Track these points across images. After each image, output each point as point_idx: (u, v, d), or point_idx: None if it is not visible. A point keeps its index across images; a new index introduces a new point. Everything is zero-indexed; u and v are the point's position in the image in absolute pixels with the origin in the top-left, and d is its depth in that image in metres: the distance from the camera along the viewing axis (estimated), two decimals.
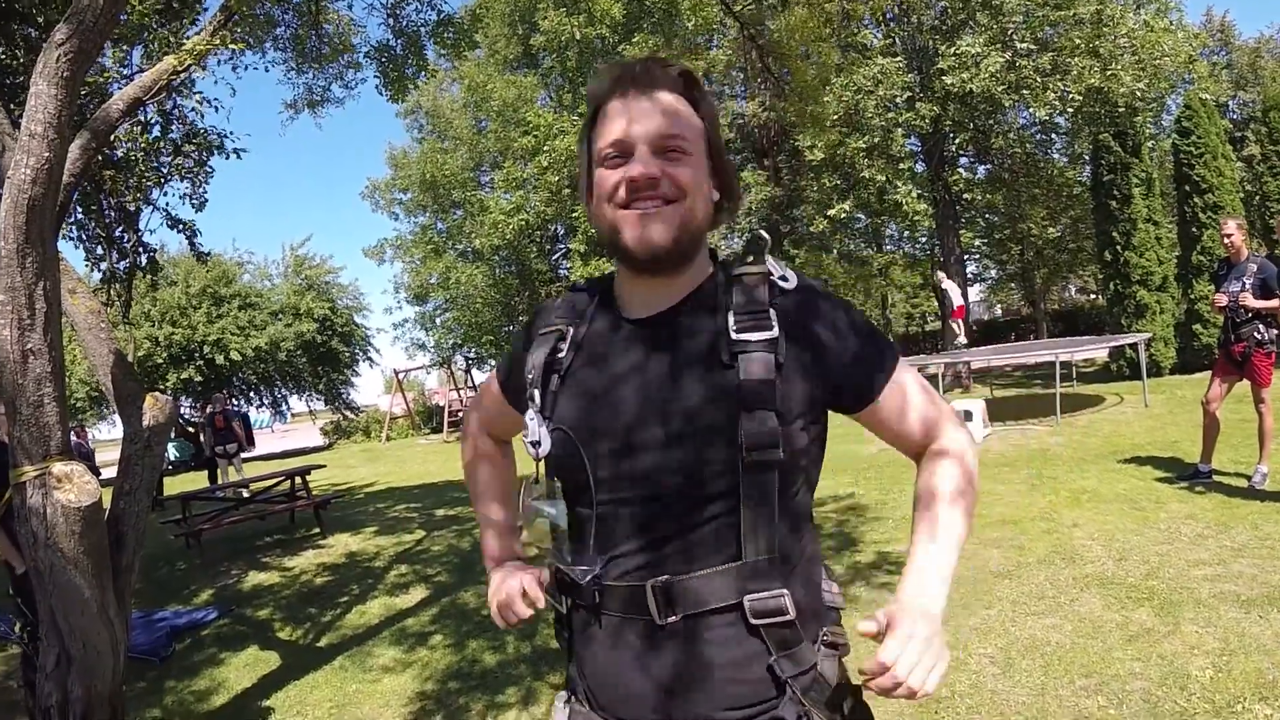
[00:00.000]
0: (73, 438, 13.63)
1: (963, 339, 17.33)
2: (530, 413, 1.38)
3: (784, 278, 1.34)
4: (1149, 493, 7.22)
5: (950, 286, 18.24)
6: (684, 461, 1.25)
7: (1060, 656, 4.25)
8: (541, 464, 1.40)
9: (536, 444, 1.36)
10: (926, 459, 1.43)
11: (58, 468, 3.51)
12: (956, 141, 19.90)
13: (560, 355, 1.40)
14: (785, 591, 1.27)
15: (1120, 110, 16.23)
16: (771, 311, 1.29)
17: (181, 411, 27.94)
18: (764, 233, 1.43)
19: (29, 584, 4.09)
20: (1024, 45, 16.75)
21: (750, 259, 1.37)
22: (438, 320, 29.08)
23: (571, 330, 1.42)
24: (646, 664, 1.28)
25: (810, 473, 1.39)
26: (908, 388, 1.40)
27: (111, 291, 7.43)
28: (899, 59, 18.10)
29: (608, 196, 1.31)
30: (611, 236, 1.32)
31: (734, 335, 1.27)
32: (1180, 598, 4.79)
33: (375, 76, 9.18)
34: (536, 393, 1.39)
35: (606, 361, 1.37)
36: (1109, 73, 15.72)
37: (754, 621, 1.25)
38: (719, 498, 1.25)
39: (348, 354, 33.47)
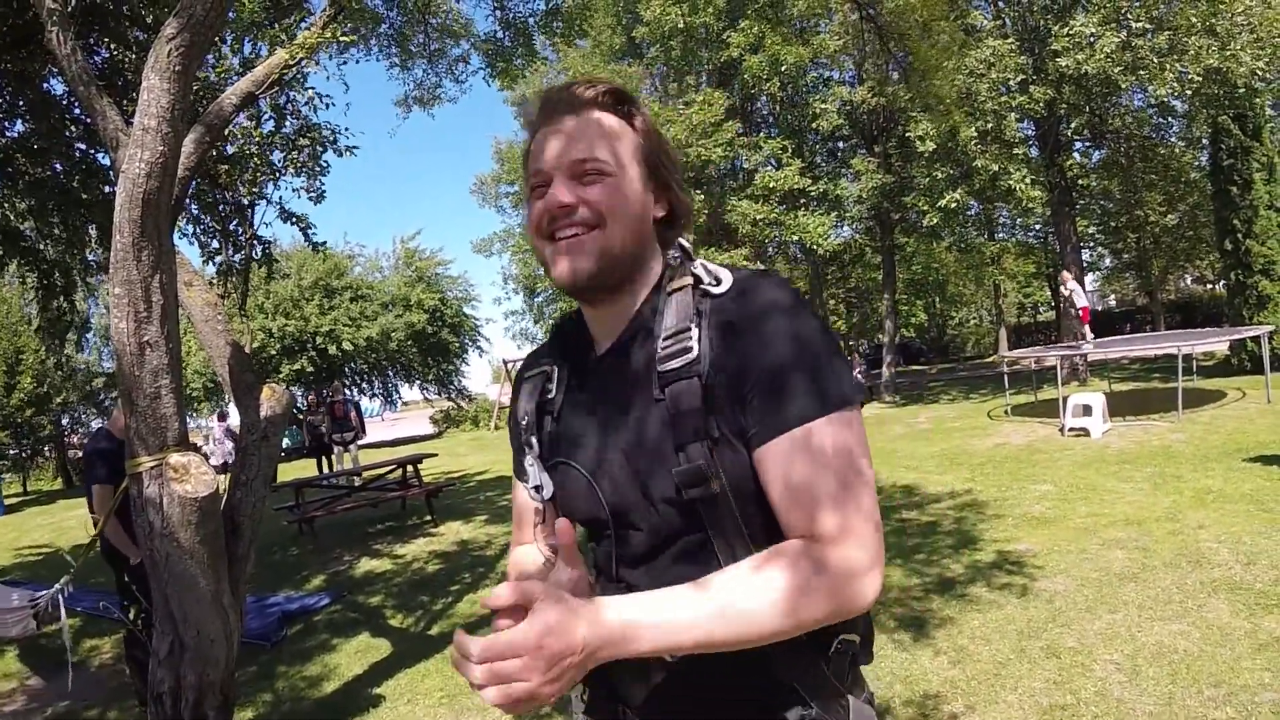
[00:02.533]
0: (218, 424, 14.21)
1: (1091, 343, 16.71)
2: (529, 459, 1.36)
3: (716, 279, 1.23)
4: (1276, 493, 6.90)
5: (1075, 288, 17.75)
6: (645, 501, 1.20)
7: (1188, 665, 4.11)
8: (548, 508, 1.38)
9: (539, 488, 1.35)
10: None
11: (175, 458, 3.56)
12: (1072, 125, 19.19)
13: (550, 396, 1.36)
14: None
15: (1240, 91, 15.43)
16: (692, 329, 1.18)
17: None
18: (684, 240, 1.34)
19: (144, 571, 4.19)
20: (1139, 24, 16.00)
21: (679, 268, 1.28)
22: (546, 311, 29.40)
23: (557, 369, 1.38)
24: (663, 674, 1.24)
25: None
26: (820, 450, 1.10)
27: (228, 284, 7.61)
28: (1010, 40, 17.47)
29: (535, 228, 1.26)
30: (545, 269, 1.28)
31: (659, 367, 1.18)
32: None
33: (482, 68, 9.23)
34: (533, 438, 1.35)
35: (586, 397, 1.32)
36: (1228, 52, 14.86)
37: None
38: (688, 530, 1.19)
39: (457, 344, 34.11)
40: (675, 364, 1.16)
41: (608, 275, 1.23)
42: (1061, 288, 18.51)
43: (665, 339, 1.19)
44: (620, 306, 1.28)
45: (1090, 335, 17.56)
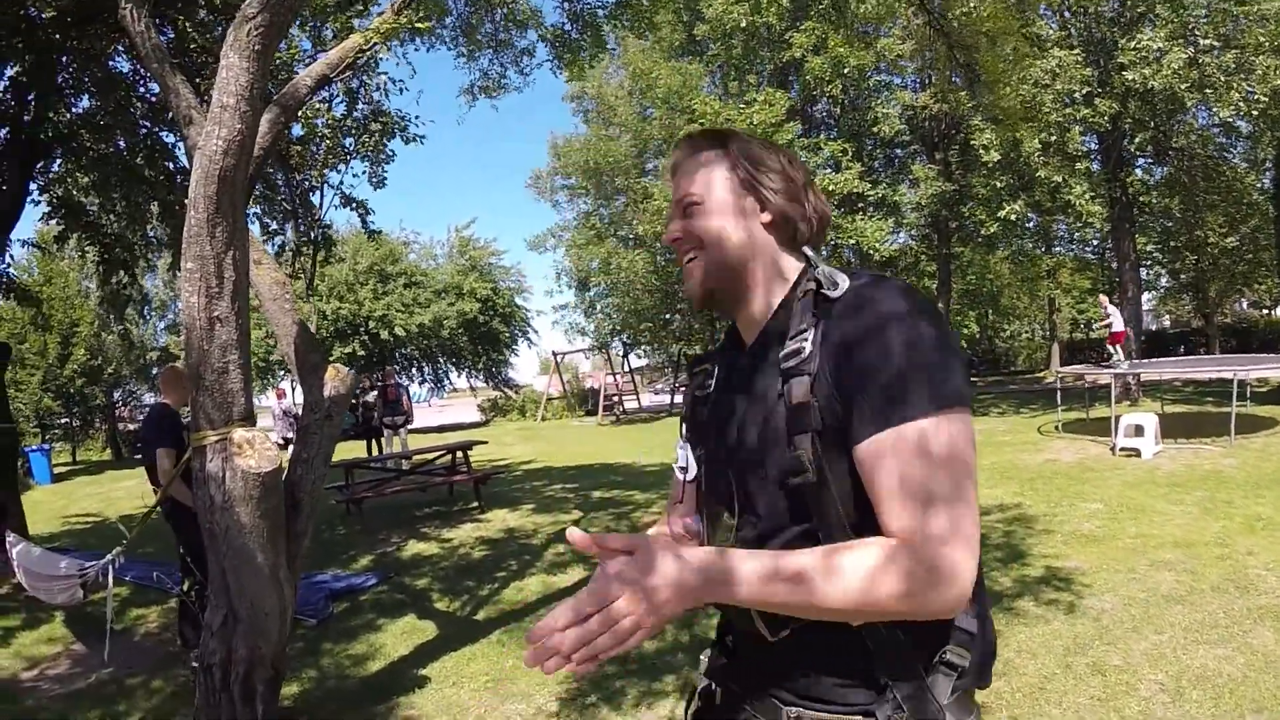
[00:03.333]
0: (277, 402, 14.44)
1: (1122, 365, 16.50)
2: (679, 441, 1.56)
3: (833, 284, 1.29)
4: None
5: (1113, 311, 17.56)
6: (761, 491, 1.31)
7: (1232, 689, 4.10)
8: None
9: (684, 469, 1.53)
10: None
11: (239, 434, 3.61)
12: (1136, 141, 18.84)
13: (708, 390, 1.51)
14: None
15: None
16: (809, 330, 1.27)
17: None
18: (808, 250, 1.42)
19: (199, 542, 4.27)
20: (1206, 41, 15.66)
21: (805, 273, 1.38)
22: (598, 306, 29.51)
23: (717, 366, 1.53)
24: (769, 662, 1.34)
25: None
26: (917, 452, 1.13)
27: (295, 265, 7.72)
28: (1076, 51, 17.16)
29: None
30: None
31: (783, 365, 1.28)
32: None
33: (549, 59, 9.26)
34: (684, 424, 1.56)
35: (731, 389, 1.45)
36: None
37: (855, 624, 1.22)
38: (794, 520, 1.27)
39: (507, 334, 34.28)
40: (793, 361, 1.26)
41: (724, 288, 1.40)
42: (1101, 309, 18.36)
43: (790, 338, 1.29)
44: (753, 311, 1.42)
45: (1120, 354, 17.35)
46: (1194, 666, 4.38)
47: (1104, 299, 18.38)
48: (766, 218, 1.39)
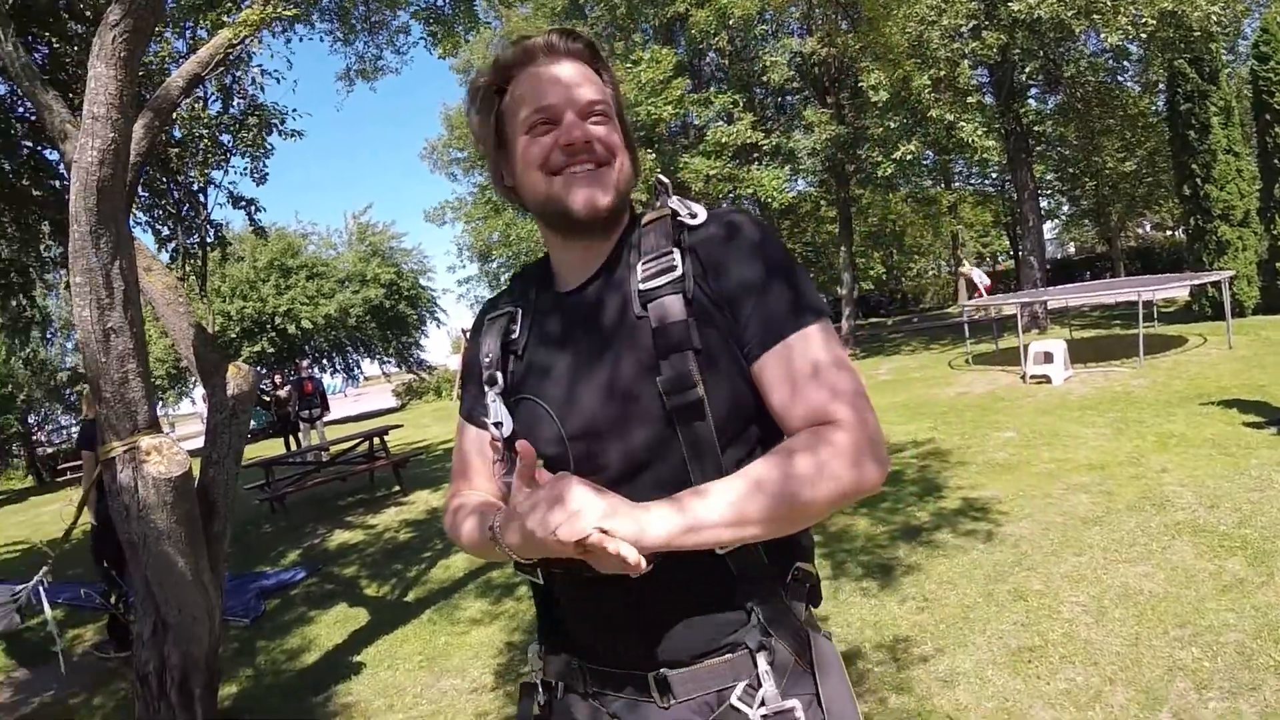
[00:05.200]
0: (204, 405, 14.11)
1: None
2: (491, 394, 1.39)
3: (692, 214, 1.31)
4: (1238, 438, 6.99)
5: (975, 273, 18.23)
6: (622, 422, 1.25)
7: (1153, 606, 4.20)
8: (500, 445, 1.38)
9: (499, 424, 1.37)
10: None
11: (145, 441, 3.61)
12: (1026, 71, 19.20)
13: (514, 336, 1.41)
14: None
15: (1195, 35, 15.30)
16: (676, 252, 1.27)
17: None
18: (662, 176, 1.42)
19: (113, 551, 4.27)
20: None
21: (658, 204, 1.36)
22: (501, 277, 29.36)
23: (520, 310, 1.43)
24: (626, 613, 1.28)
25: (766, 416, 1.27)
26: (811, 351, 1.20)
27: (186, 268, 7.59)
28: None
29: (538, 163, 1.30)
30: (547, 204, 1.32)
31: (641, 286, 1.26)
32: (1274, 547, 4.66)
33: (423, 37, 9.18)
34: (498, 374, 1.39)
35: (552, 334, 1.38)
36: None
37: (720, 551, 1.20)
38: (663, 452, 1.23)
39: (415, 316, 33.88)
40: (657, 282, 1.25)
41: (616, 208, 1.32)
42: (963, 273, 19.03)
43: (646, 262, 1.28)
44: (602, 243, 1.36)
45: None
46: (1115, 585, 4.49)
47: (965, 264, 18.99)
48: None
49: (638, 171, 1.40)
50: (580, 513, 1.04)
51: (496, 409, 1.38)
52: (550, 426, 1.31)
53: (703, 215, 1.30)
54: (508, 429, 1.36)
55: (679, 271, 1.24)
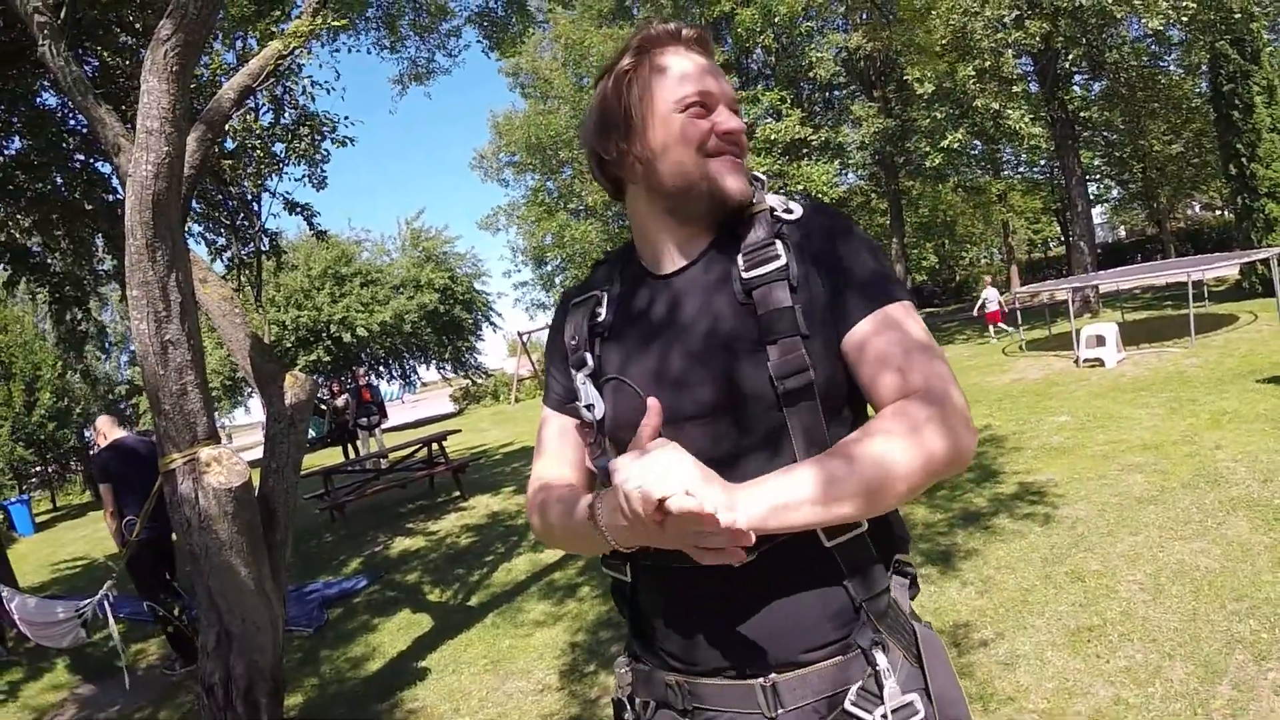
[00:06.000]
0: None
1: (1014, 332, 17.07)
2: (580, 377, 1.38)
3: (788, 209, 1.34)
4: None
5: (989, 292, 18.38)
6: (723, 407, 1.24)
7: (1210, 581, 4.20)
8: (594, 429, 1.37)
9: (590, 407, 1.35)
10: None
11: (205, 452, 3.62)
12: (1069, 58, 18.99)
13: (600, 319, 1.41)
14: None
15: (1236, 16, 15.29)
16: (778, 243, 1.28)
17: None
18: (759, 173, 1.42)
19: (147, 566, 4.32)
20: None
21: (754, 201, 1.36)
22: (556, 280, 29.46)
23: (605, 294, 1.43)
24: (727, 611, 1.25)
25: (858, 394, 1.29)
26: (902, 326, 1.21)
27: (241, 277, 7.66)
28: None
29: (695, 143, 1.30)
30: (699, 182, 1.30)
31: (744, 275, 1.27)
32: None
33: (479, 40, 9.21)
34: (587, 355, 1.39)
35: (645, 317, 1.37)
36: None
37: (828, 544, 1.20)
38: (769, 434, 1.23)
39: (471, 320, 34.05)
40: (760, 270, 1.26)
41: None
42: (985, 286, 19.30)
43: (748, 252, 1.29)
44: (707, 231, 1.36)
45: (1003, 327, 18.32)
46: (1171, 563, 4.48)
47: (988, 285, 19.15)
48: None
49: None
50: (669, 474, 1.01)
51: (587, 391, 1.37)
52: (642, 409, 1.23)
53: (798, 210, 1.33)
54: (599, 411, 1.35)
55: (782, 261, 1.26)
